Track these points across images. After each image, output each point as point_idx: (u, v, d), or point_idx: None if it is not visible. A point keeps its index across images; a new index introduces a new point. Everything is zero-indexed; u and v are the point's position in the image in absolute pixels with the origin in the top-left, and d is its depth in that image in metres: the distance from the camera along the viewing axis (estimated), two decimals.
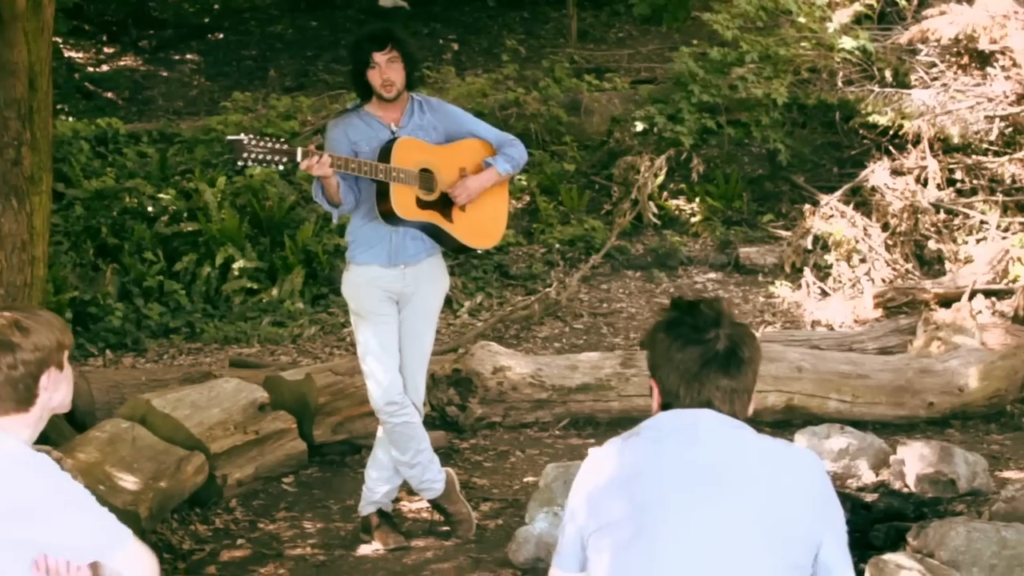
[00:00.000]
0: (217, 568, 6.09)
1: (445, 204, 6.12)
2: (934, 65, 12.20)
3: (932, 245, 11.26)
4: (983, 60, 11.95)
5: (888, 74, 12.29)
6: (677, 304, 3.09)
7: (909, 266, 11.00)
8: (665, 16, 15.04)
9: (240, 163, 5.69)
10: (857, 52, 12.19)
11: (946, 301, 10.08)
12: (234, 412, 7.08)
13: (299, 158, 5.72)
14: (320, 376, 7.55)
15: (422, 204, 6.04)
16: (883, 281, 10.71)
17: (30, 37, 6.90)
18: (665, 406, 3.05)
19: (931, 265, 11.22)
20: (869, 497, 6.36)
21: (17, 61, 6.79)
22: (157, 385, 7.75)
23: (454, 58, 17.10)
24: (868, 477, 6.61)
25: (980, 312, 9.92)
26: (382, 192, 5.94)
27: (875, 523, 5.98)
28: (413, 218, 6.01)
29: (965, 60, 12.03)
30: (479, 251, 6.72)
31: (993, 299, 10.14)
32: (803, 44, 12.34)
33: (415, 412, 6.15)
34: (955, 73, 12.02)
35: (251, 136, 5.70)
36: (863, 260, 10.98)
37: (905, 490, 6.44)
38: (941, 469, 6.39)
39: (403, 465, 6.22)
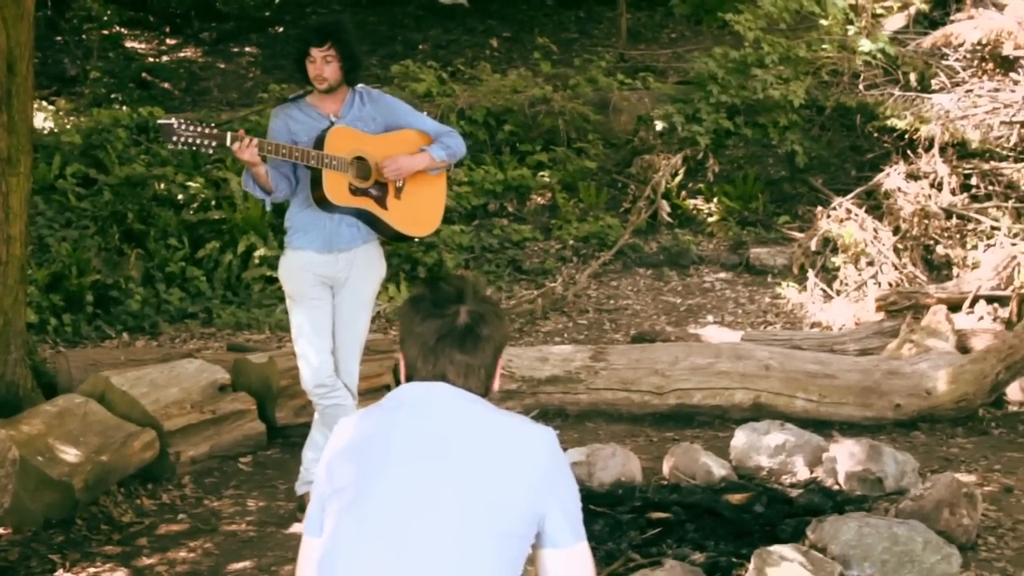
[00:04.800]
0: (149, 541, 6.24)
1: (380, 192, 6.24)
2: (958, 71, 12.14)
3: (940, 250, 11.17)
4: (1007, 66, 11.87)
5: (913, 78, 12.25)
6: (425, 280, 3.21)
7: (916, 270, 10.92)
8: (706, 16, 15.07)
9: (170, 145, 5.86)
10: (879, 56, 12.15)
11: (949, 306, 9.99)
12: (193, 392, 7.26)
13: (228, 142, 5.88)
14: (283, 360, 7.69)
15: (355, 191, 6.16)
16: (889, 285, 10.65)
17: (9, 23, 7.15)
18: (408, 378, 3.16)
19: (939, 270, 11.14)
20: (793, 492, 6.41)
21: None
22: (135, 365, 7.93)
23: (504, 55, 17.22)
24: (803, 474, 6.65)
25: (981, 318, 9.85)
26: (315, 179, 6.08)
27: (788, 517, 6.03)
28: (345, 204, 6.14)
29: (989, 65, 11.94)
30: (415, 239, 6.83)
31: (996, 305, 10.03)
32: (825, 47, 12.32)
33: (347, 395, 6.29)
34: (978, 78, 11.94)
35: (181, 120, 5.88)
36: (871, 263, 10.92)
37: (835, 487, 6.47)
38: (869, 467, 6.40)
39: None
